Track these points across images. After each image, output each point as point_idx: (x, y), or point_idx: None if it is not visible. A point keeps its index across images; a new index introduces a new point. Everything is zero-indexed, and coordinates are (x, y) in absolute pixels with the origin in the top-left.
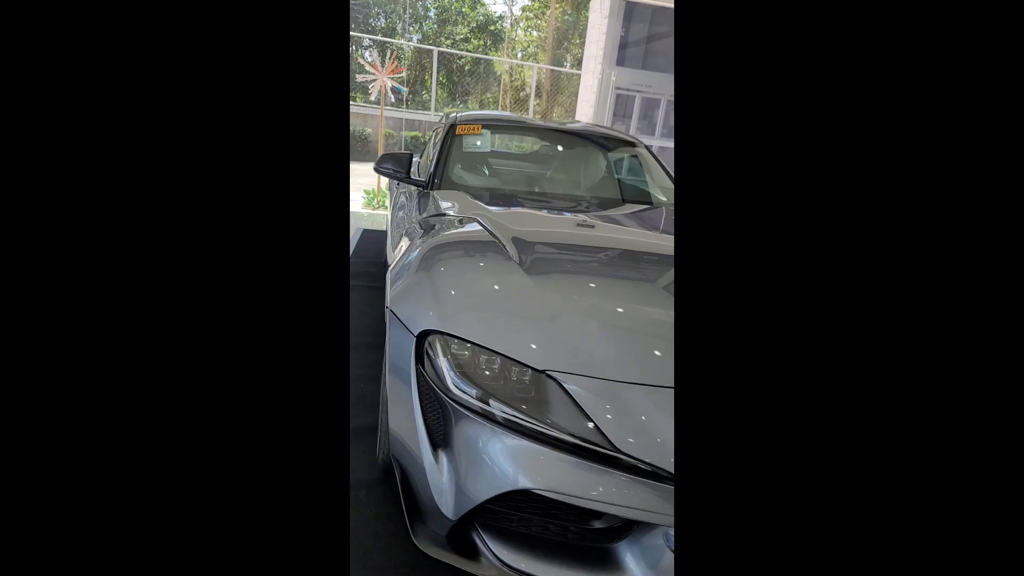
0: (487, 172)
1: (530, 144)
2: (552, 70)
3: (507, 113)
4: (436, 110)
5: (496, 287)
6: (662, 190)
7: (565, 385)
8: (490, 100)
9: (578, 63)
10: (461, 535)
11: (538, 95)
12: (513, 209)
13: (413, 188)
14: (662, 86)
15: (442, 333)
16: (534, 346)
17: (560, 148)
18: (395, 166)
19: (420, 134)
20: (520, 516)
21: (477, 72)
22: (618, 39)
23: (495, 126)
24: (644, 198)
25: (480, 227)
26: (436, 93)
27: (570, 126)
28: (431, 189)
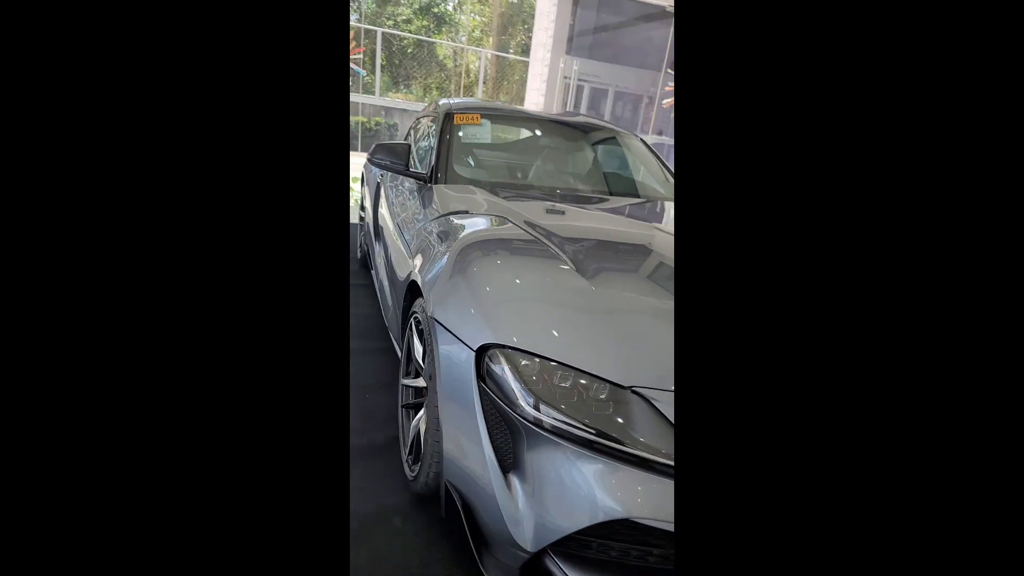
0: (489, 164)
1: (514, 133)
2: (497, 56)
3: (493, 102)
4: (380, 94)
5: (552, 291)
6: (660, 182)
7: (655, 402)
8: (434, 85)
9: (522, 50)
10: (536, 565)
11: (483, 82)
12: (535, 203)
13: (407, 181)
14: (610, 77)
15: (506, 347)
16: (615, 359)
17: (559, 137)
18: (392, 158)
19: (365, 119)
20: (600, 543)
21: (420, 56)
22: (567, 27)
23: (493, 116)
24: (650, 191)
25: (513, 224)
26: (380, 77)
27: (569, 117)
28: (434, 183)
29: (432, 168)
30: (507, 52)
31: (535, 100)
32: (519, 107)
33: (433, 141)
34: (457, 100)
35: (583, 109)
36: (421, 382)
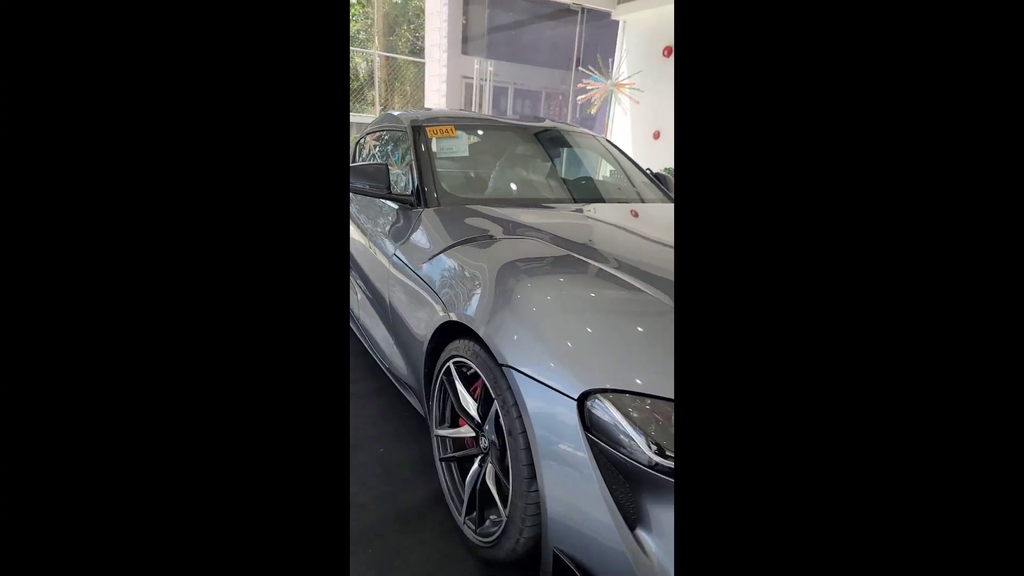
0: (475, 178)
1: (489, 142)
2: (387, 58)
3: (448, 110)
4: None
5: (638, 317)
6: (637, 182)
7: None
8: None
9: (410, 51)
10: None
11: (373, 85)
12: (549, 213)
13: (382, 205)
14: (508, 75)
15: (610, 390)
16: None
17: (535, 144)
18: (370, 182)
19: None
20: None
21: None
22: (461, 27)
23: (464, 126)
24: (629, 193)
25: (543, 242)
26: None
27: (536, 123)
28: (424, 206)
29: (416, 189)
30: (399, 54)
31: (436, 101)
32: (485, 115)
33: (397, 159)
34: (417, 112)
35: (486, 107)
36: (464, 431)
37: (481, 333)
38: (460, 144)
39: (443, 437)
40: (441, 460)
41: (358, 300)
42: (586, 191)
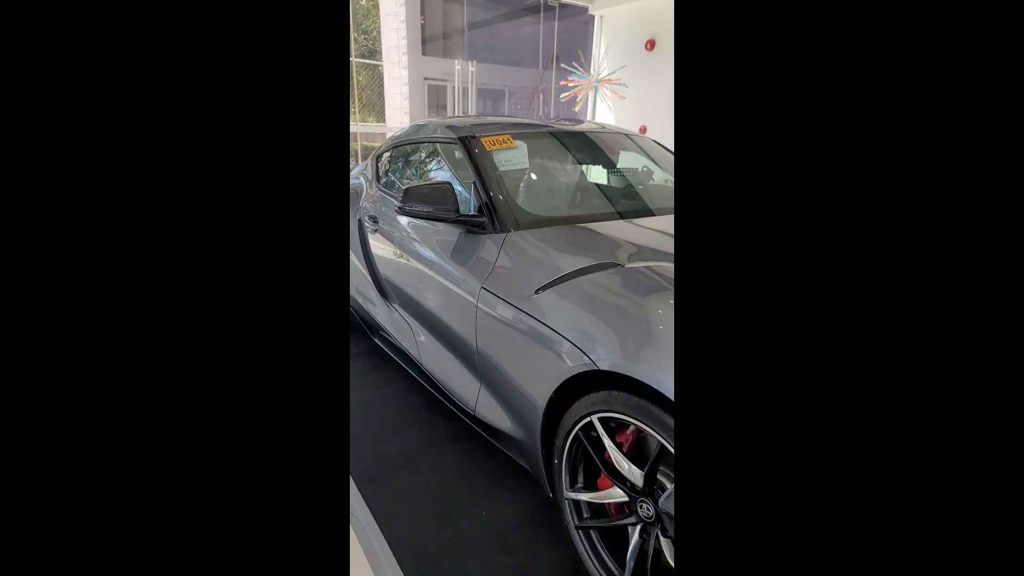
0: (545, 193)
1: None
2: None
3: (484, 116)
4: None
5: None
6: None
7: None
8: None
9: (361, 53)
10: None
11: None
12: (648, 229)
13: (420, 227)
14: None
15: None
16: None
17: (595, 150)
18: (435, 205)
19: None
20: None
21: None
22: (420, 27)
23: (520, 134)
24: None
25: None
26: None
27: (584, 127)
28: (502, 230)
29: (486, 210)
30: (359, 58)
31: (399, 104)
32: (533, 120)
33: (415, 174)
34: (455, 120)
35: (449, 107)
36: (609, 496)
37: (659, 386)
38: (519, 155)
39: (577, 501)
40: (578, 528)
41: (419, 342)
42: (662, 199)
